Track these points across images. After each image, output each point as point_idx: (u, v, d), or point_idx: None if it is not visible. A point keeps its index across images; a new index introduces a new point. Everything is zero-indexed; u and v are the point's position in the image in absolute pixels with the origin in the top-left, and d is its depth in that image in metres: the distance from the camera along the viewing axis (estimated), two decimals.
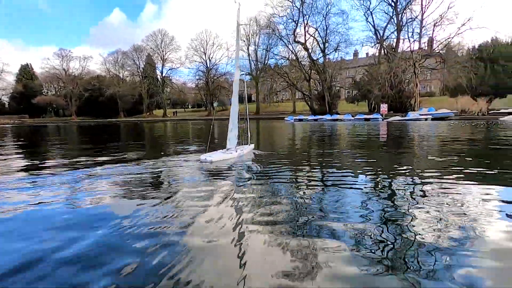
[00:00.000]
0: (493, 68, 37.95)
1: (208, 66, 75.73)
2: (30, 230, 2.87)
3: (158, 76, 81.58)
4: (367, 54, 61.53)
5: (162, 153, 8.96)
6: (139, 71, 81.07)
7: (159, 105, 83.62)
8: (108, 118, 75.40)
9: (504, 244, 2.39)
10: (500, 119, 29.03)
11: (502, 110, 34.32)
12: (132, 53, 79.09)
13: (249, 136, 8.71)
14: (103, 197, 3.98)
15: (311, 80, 55.05)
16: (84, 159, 7.62)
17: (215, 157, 6.76)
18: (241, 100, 8.22)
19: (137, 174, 5.48)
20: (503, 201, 3.53)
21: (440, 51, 43.67)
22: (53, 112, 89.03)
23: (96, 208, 3.53)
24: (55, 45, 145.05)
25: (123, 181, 4.88)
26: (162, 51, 78.11)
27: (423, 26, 43.88)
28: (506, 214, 3.06)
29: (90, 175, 5.44)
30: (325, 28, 51.62)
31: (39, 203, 3.72)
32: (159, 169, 5.93)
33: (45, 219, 3.18)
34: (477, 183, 4.42)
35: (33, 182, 4.86)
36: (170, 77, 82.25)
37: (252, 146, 8.92)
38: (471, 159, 7.36)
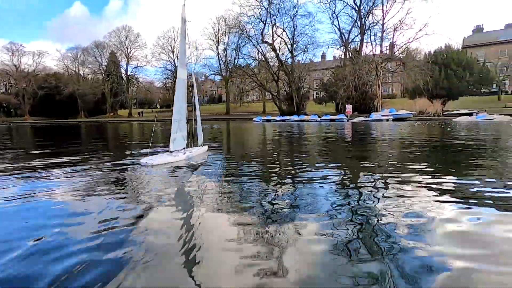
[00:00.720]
0: (447, 72, 40.48)
1: (176, 65, 73.41)
2: None
3: (123, 75, 77.63)
4: (334, 56, 63.31)
5: (105, 156, 8.33)
6: (101, 68, 76.52)
7: (124, 105, 79.57)
8: (67, 119, 70.29)
9: (453, 229, 2.66)
10: (453, 119, 31.02)
11: (454, 112, 36.78)
12: (94, 49, 74.52)
13: (201, 137, 8.10)
14: (35, 202, 3.73)
15: (280, 81, 55.33)
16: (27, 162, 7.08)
17: (158, 160, 6.23)
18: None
19: (69, 179, 4.99)
20: (452, 192, 3.87)
21: (400, 55, 45.90)
22: (3, 111, 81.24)
23: (36, 213, 3.34)
24: (5, 39, 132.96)
25: (53, 188, 4.46)
26: (127, 48, 74.55)
27: (384, 31, 45.91)
28: (454, 204, 3.37)
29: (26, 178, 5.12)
30: (292, 29, 52.19)
31: None
32: (94, 174, 5.36)
33: None
34: (431, 175, 4.80)
35: None
36: (136, 76, 78.68)
37: (205, 148, 8.31)
38: (426, 154, 7.84)
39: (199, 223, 2.90)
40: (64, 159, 7.39)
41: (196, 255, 2.19)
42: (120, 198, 3.78)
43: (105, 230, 2.69)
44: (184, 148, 7.14)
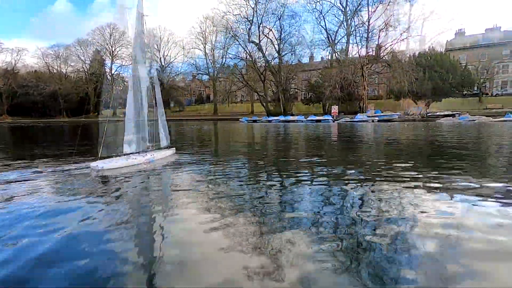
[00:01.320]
0: (431, 74, 41.04)
1: (163, 64, 72.21)
2: None
3: (107, 74, 75.61)
4: (322, 57, 63.39)
5: (57, 159, 7.83)
6: (84, 67, 74.33)
7: (108, 104, 77.48)
8: (48, 118, 67.88)
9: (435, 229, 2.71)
10: (437, 121, 31.46)
11: (438, 113, 37.27)
12: (76, 47, 72.31)
13: (165, 139, 7.52)
14: None
15: (267, 81, 54.95)
16: None
17: (110, 164, 5.64)
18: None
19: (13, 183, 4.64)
20: (435, 191, 3.90)
21: (385, 56, 46.30)
22: None
23: None
24: None
25: None
26: (111, 47, 72.64)
27: (370, 32, 46.26)
28: (437, 205, 3.41)
29: None
30: (279, 29, 51.93)
31: None
32: (38, 179, 4.91)
33: None
34: (414, 174, 4.83)
35: None
36: (122, 75, 76.84)
37: (172, 150, 7.75)
38: (412, 152, 8.14)
39: (152, 231, 2.76)
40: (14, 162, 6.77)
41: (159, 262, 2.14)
42: (60, 205, 3.32)
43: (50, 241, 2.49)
44: (145, 151, 6.57)
